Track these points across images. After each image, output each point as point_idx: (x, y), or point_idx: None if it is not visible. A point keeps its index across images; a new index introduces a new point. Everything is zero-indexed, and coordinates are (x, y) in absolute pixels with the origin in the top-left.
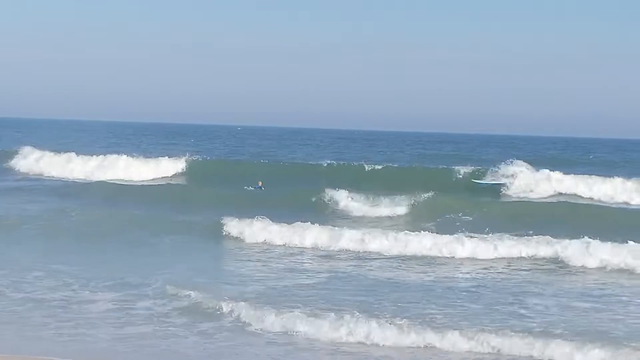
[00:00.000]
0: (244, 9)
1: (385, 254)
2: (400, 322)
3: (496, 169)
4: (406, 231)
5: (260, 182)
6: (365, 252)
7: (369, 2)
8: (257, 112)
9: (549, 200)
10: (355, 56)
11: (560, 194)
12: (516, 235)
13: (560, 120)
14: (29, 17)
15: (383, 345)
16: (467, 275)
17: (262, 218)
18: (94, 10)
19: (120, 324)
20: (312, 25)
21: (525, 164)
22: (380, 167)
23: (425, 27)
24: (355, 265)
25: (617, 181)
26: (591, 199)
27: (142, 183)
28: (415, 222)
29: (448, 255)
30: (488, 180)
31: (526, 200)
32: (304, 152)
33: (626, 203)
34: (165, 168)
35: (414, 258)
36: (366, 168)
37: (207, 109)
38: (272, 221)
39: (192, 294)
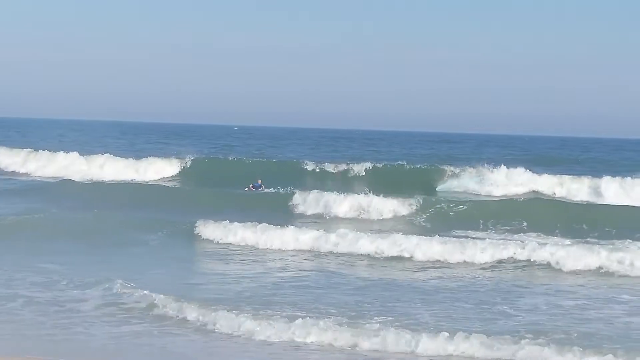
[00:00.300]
0: (244, 9)
1: (369, 255)
2: (386, 326)
3: (472, 169)
4: (393, 232)
5: (260, 180)
6: (350, 253)
7: (369, 2)
8: (257, 112)
9: (525, 199)
10: (355, 56)
11: (536, 192)
12: (506, 233)
13: (562, 120)
14: (29, 17)
15: (369, 349)
16: (454, 276)
17: (246, 221)
18: (93, 10)
19: (117, 322)
20: (312, 25)
21: (504, 168)
22: (366, 166)
23: (425, 27)
24: (339, 267)
25: (597, 180)
26: (563, 197)
27: (127, 183)
28: (400, 223)
29: (431, 256)
30: (454, 184)
31: (505, 199)
32: (297, 152)
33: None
34: (148, 168)
35: (398, 259)
36: (353, 167)
37: (207, 109)
38: (252, 223)
39: (174, 296)
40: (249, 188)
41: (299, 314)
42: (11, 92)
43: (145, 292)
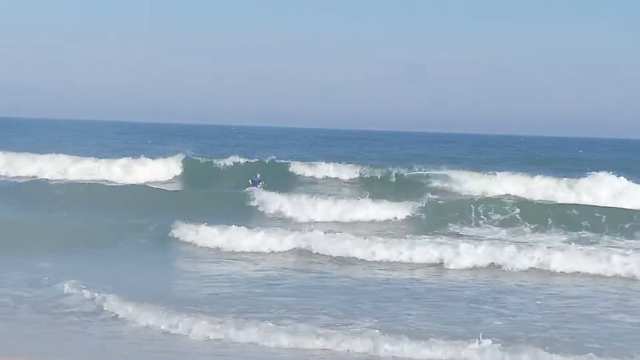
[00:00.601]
0: (244, 9)
1: (356, 257)
2: (368, 331)
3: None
4: (376, 236)
5: (259, 175)
6: (334, 256)
7: (369, 2)
8: (257, 112)
9: (508, 199)
10: (355, 56)
11: (508, 194)
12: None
13: (562, 120)
14: (28, 16)
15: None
16: (444, 277)
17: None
18: (93, 10)
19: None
20: (313, 25)
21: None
22: (349, 167)
23: (426, 27)
24: (321, 269)
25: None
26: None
27: (104, 184)
28: (385, 224)
29: (422, 258)
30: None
31: (491, 199)
32: (289, 152)
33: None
34: (132, 169)
35: (383, 262)
36: (338, 169)
37: (207, 109)
38: (228, 225)
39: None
40: (248, 184)
41: (287, 315)
42: (13, 92)
43: (95, 293)
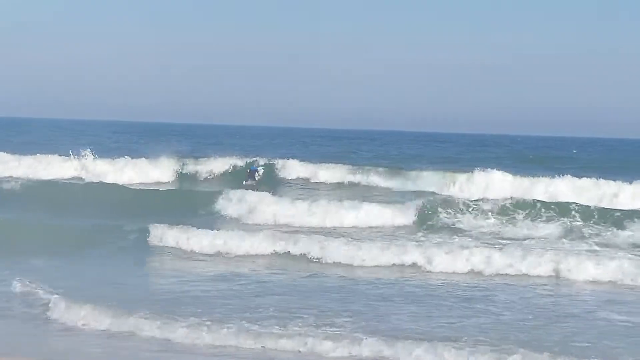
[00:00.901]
0: (244, 9)
1: (337, 261)
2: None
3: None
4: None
5: (256, 162)
6: (319, 258)
7: (369, 2)
8: (256, 112)
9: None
10: (355, 56)
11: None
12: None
13: (561, 120)
14: (27, 16)
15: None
16: (436, 278)
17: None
18: (93, 10)
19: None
20: (312, 25)
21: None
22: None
23: (426, 27)
24: (309, 271)
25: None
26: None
27: (82, 184)
28: (373, 227)
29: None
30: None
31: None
32: (284, 152)
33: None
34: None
35: (372, 264)
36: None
37: (206, 109)
38: (203, 228)
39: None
40: (246, 173)
41: (273, 315)
42: (13, 92)
43: (54, 296)
